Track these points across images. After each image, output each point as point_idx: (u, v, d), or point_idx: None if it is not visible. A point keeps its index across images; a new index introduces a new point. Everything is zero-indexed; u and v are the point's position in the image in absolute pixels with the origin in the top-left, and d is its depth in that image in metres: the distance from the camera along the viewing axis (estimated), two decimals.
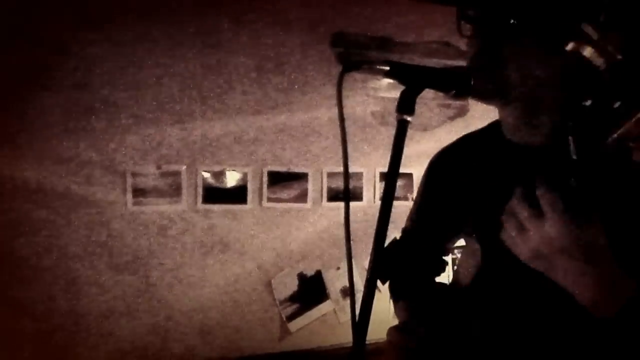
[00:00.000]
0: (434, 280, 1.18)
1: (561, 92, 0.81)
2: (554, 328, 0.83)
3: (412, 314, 1.07)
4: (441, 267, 1.20)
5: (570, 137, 0.68)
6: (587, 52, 0.72)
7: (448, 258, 1.19)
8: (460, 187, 1.01)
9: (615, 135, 0.66)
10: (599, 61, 0.72)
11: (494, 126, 0.98)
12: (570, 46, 0.73)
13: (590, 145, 0.68)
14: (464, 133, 1.09)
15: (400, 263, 1.15)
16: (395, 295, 1.16)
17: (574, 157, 0.68)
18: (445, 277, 1.16)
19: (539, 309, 0.84)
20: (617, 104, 0.68)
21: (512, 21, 0.79)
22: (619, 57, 0.71)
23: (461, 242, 1.08)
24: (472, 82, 0.79)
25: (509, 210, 0.73)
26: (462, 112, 2.47)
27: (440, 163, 1.10)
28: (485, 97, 0.85)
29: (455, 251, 2.97)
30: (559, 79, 0.80)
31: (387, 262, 0.73)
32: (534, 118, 0.86)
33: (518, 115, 0.88)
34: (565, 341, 0.82)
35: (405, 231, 1.21)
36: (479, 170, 0.97)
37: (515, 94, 0.83)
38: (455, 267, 1.08)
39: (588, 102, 0.69)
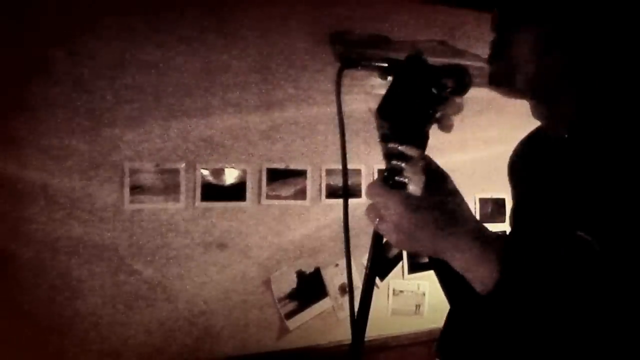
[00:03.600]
0: None
1: (573, 87, 0.80)
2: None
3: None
4: None
5: None
6: None
7: None
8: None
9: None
10: None
11: None
12: None
13: None
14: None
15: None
16: None
17: None
18: None
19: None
20: None
21: (517, 10, 0.79)
22: None
23: None
24: (469, 80, 0.79)
25: (369, 204, 0.75)
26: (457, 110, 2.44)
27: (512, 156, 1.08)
28: (498, 86, 0.85)
29: None
30: (567, 74, 0.79)
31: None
32: (548, 110, 0.86)
33: (533, 107, 0.88)
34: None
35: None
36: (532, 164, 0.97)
37: (524, 85, 0.83)
38: None
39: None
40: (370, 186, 0.74)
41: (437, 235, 0.70)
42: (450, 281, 0.90)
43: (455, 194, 0.73)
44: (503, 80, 0.83)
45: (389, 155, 0.73)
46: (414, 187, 0.70)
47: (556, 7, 0.77)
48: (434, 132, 0.77)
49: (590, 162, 0.75)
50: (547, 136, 0.89)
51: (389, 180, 0.72)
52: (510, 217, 0.99)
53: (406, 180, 0.71)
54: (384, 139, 0.73)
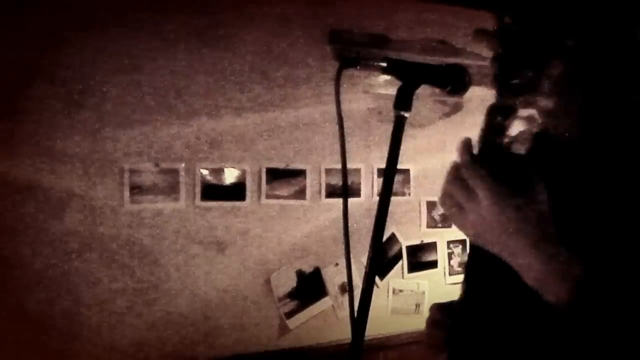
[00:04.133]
0: None
1: (579, 93, 0.79)
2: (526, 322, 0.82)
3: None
4: None
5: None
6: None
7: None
8: None
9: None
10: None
11: None
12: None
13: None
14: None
15: None
16: None
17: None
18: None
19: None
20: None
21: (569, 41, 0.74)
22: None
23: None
24: (468, 80, 0.79)
25: (444, 191, 0.72)
26: (457, 109, 2.47)
27: None
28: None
29: (451, 246, 2.98)
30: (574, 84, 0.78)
31: None
32: (554, 115, 0.85)
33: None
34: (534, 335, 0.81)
35: None
36: None
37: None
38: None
39: None
40: (463, 166, 0.69)
41: (519, 240, 0.67)
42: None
43: (545, 204, 0.69)
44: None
45: (502, 108, 0.68)
46: (519, 146, 0.68)
47: (578, 44, 0.74)
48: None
49: (602, 163, 0.74)
50: (553, 136, 0.89)
51: (489, 142, 0.69)
52: None
53: (511, 140, 0.68)
54: (511, 90, 0.69)
